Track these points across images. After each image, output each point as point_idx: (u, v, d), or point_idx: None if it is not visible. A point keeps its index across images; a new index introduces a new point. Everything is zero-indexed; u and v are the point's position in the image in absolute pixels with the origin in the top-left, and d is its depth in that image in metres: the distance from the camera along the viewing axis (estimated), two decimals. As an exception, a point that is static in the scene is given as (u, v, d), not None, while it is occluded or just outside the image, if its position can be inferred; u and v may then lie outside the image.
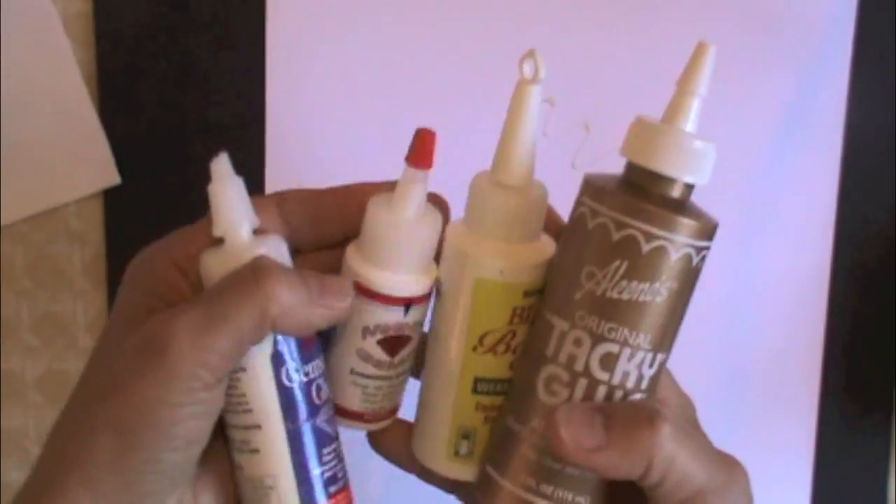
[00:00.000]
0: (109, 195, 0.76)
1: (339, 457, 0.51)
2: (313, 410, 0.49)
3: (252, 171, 0.75)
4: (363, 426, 0.53)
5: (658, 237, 0.46)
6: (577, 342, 0.47)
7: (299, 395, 0.48)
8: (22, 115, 0.74)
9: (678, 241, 0.46)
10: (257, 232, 0.48)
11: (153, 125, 0.75)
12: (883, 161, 0.77)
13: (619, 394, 0.48)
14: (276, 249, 0.48)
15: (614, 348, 0.47)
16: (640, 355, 0.47)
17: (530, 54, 0.47)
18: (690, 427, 0.49)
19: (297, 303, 0.46)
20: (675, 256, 0.46)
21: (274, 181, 0.75)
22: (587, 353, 0.47)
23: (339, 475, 0.51)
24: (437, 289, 0.51)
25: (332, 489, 0.50)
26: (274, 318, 0.45)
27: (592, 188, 0.48)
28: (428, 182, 0.49)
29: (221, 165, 0.48)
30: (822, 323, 0.79)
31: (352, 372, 0.51)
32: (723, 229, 0.79)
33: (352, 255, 0.50)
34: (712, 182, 0.76)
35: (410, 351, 0.51)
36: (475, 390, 0.51)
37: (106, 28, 0.74)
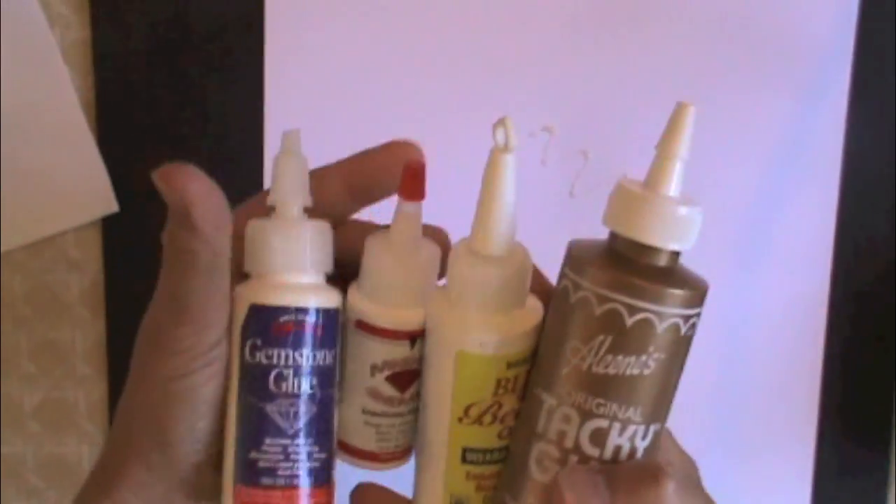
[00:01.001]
0: (108, 223, 0.76)
1: (286, 455, 0.49)
2: (266, 395, 0.48)
3: (250, 196, 0.75)
4: (379, 466, 0.52)
5: (642, 310, 0.44)
6: (566, 419, 0.46)
7: (257, 373, 0.48)
8: (20, 143, 0.74)
9: (664, 312, 0.45)
10: (307, 211, 0.49)
11: (151, 153, 0.75)
12: (882, 184, 0.78)
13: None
14: (322, 232, 0.49)
15: (604, 424, 0.46)
16: (631, 429, 0.46)
17: (501, 123, 0.46)
18: (693, 487, 0.48)
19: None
20: (661, 327, 0.45)
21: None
22: (576, 429, 0.46)
23: (280, 472, 0.49)
24: (422, 357, 0.50)
25: (266, 481, 0.49)
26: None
27: (574, 260, 0.47)
28: (421, 215, 0.49)
29: (293, 140, 0.49)
30: (821, 346, 0.79)
31: (364, 412, 0.51)
32: (720, 253, 0.79)
33: (353, 294, 0.50)
34: (711, 205, 0.76)
35: (419, 386, 0.51)
36: (464, 460, 0.50)
37: (104, 56, 0.74)
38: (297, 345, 0.48)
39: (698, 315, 0.46)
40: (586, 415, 0.46)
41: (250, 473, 0.48)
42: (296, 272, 0.48)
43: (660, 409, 0.46)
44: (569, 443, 0.46)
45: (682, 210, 0.46)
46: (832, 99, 0.76)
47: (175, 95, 0.75)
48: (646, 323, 0.44)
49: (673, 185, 0.46)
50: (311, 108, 0.75)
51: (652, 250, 0.45)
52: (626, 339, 0.45)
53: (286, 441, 0.49)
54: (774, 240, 0.78)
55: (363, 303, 0.49)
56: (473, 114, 0.75)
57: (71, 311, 0.77)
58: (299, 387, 0.48)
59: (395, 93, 0.75)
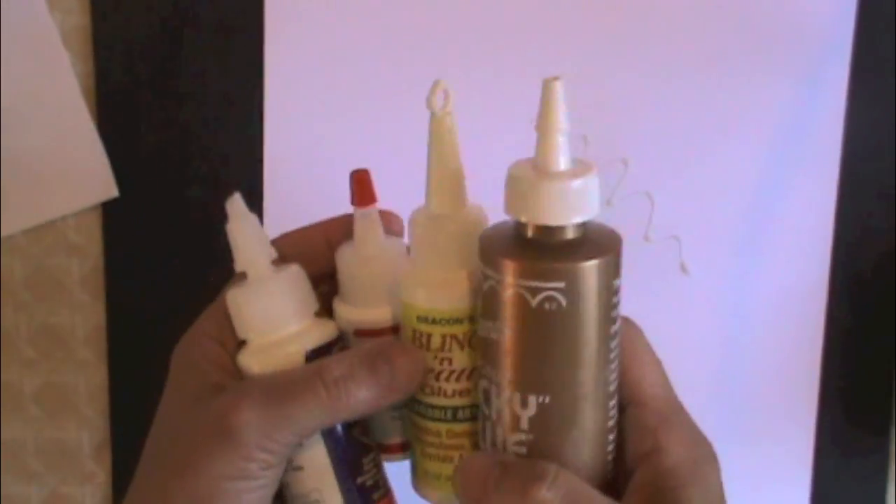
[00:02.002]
0: (108, 208, 0.76)
1: (377, 465, 0.53)
2: (347, 423, 0.51)
3: (250, 184, 0.76)
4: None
5: (489, 277, 0.47)
6: (478, 379, 0.49)
7: None
8: (21, 128, 0.74)
9: (505, 281, 0.46)
10: (276, 263, 0.51)
11: (152, 138, 0.75)
12: (882, 172, 0.77)
13: (499, 431, 0.48)
14: (296, 278, 0.51)
15: (485, 384, 0.49)
16: (506, 393, 0.48)
17: (437, 86, 0.48)
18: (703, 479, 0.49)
19: (370, 399, 0.49)
20: (504, 295, 0.46)
21: (272, 192, 0.75)
22: (477, 388, 0.50)
23: (381, 482, 0.53)
24: None
25: (375, 496, 0.52)
26: (344, 419, 0.50)
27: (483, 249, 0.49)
28: (378, 217, 0.52)
29: (236, 205, 0.51)
30: (821, 333, 0.79)
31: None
32: (719, 240, 0.79)
33: (337, 305, 0.53)
34: (709, 194, 0.76)
35: None
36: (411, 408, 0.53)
37: (104, 41, 0.74)
38: None
39: (558, 290, 0.46)
40: (479, 375, 0.49)
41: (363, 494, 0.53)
42: (285, 325, 0.51)
43: (533, 378, 0.47)
44: (481, 398, 0.49)
45: (552, 186, 0.46)
46: (831, 87, 0.76)
47: (175, 81, 0.75)
48: (491, 290, 0.47)
49: (558, 160, 0.47)
50: (311, 90, 0.75)
51: (523, 225, 0.47)
52: (485, 303, 0.48)
53: (375, 453, 0.53)
54: (773, 227, 0.78)
55: (346, 310, 0.52)
56: (472, 98, 0.75)
57: (71, 296, 0.78)
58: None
59: (387, 83, 0.75)
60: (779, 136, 0.76)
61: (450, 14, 0.74)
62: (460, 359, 0.50)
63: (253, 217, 0.51)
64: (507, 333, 0.47)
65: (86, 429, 0.80)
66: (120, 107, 0.75)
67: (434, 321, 0.49)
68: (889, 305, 0.79)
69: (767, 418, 0.80)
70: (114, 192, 0.76)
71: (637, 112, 0.75)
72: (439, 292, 0.49)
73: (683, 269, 0.76)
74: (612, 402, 0.49)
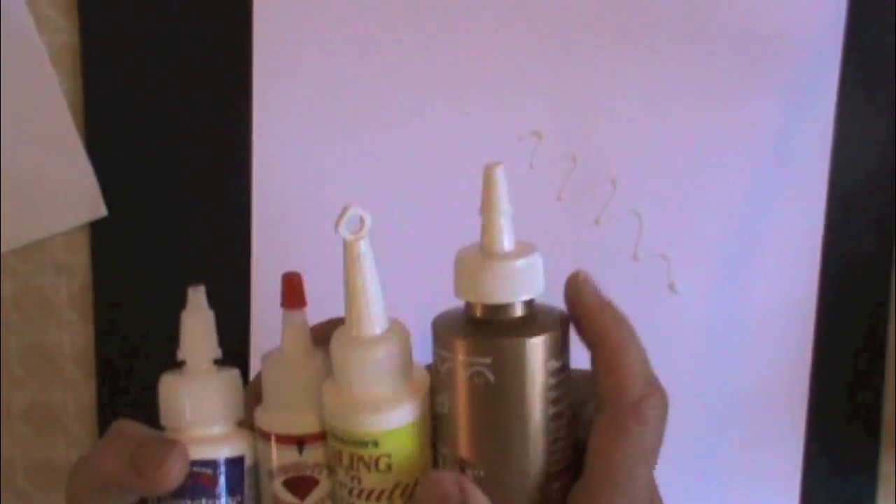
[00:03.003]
0: (96, 227, 0.76)
1: None
2: None
3: (239, 202, 0.76)
4: None
5: (436, 353, 0.49)
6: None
7: None
8: (8, 147, 0.74)
9: (443, 356, 0.48)
10: (217, 363, 0.52)
11: (140, 157, 0.75)
12: (870, 189, 0.78)
13: None
14: (229, 383, 0.52)
15: (440, 457, 0.50)
16: (448, 466, 0.49)
17: (344, 213, 0.48)
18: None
19: (117, 472, 0.49)
20: (442, 369, 0.48)
21: (261, 209, 0.75)
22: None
23: None
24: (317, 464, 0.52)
25: None
26: (101, 485, 0.50)
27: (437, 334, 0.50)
28: (307, 321, 0.51)
29: (198, 297, 0.52)
30: (810, 351, 0.79)
31: None
32: (709, 254, 0.79)
33: (257, 407, 0.52)
34: (698, 212, 0.76)
35: (324, 495, 0.51)
36: None
37: (92, 59, 0.74)
38: (210, 495, 0.50)
39: (485, 366, 0.47)
40: (434, 449, 0.50)
41: None
42: (205, 425, 0.51)
43: (470, 453, 0.48)
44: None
45: (485, 271, 0.48)
46: (820, 105, 0.76)
47: (163, 98, 0.75)
48: (435, 367, 0.49)
49: (502, 242, 0.49)
50: (299, 108, 0.75)
51: (489, 308, 0.48)
52: (433, 380, 0.49)
53: None
54: (762, 245, 0.78)
55: (259, 411, 0.52)
56: (462, 118, 0.75)
57: (59, 315, 0.77)
58: None
59: (380, 96, 0.75)
60: (767, 154, 0.76)
61: (442, 48, 0.74)
62: (367, 479, 0.49)
63: (209, 313, 0.52)
64: (448, 407, 0.48)
65: (74, 447, 0.80)
66: (108, 126, 0.75)
67: (343, 441, 0.49)
68: (877, 322, 0.79)
69: (757, 435, 0.80)
70: (102, 211, 0.76)
71: (625, 131, 0.75)
72: (348, 414, 0.49)
73: (672, 288, 0.76)
74: (557, 484, 0.49)
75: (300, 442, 0.51)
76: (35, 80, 0.74)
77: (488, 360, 0.47)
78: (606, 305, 0.49)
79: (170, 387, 0.51)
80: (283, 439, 0.51)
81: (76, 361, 0.78)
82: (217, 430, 0.51)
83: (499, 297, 0.48)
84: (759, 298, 0.78)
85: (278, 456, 0.51)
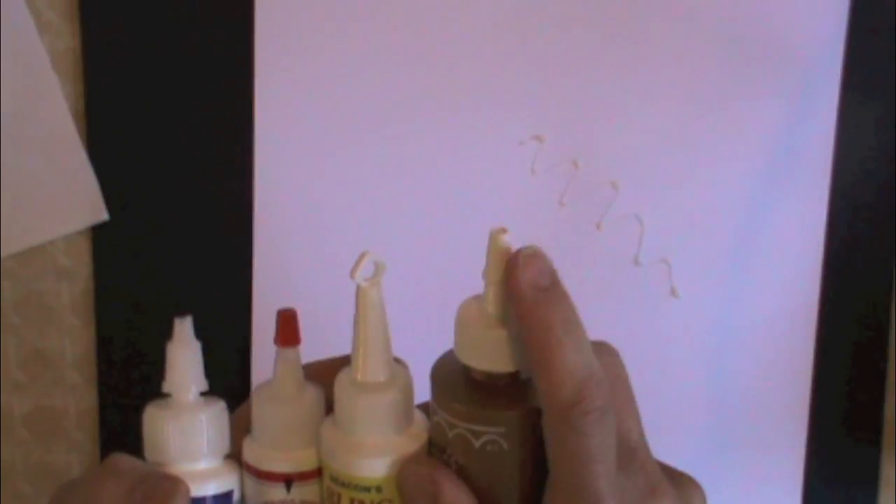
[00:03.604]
0: (97, 231, 0.76)
1: None
2: None
3: (240, 208, 0.76)
4: None
5: (436, 413, 0.49)
6: None
7: None
8: (10, 151, 0.74)
9: (451, 422, 0.48)
10: (204, 395, 0.51)
11: (141, 161, 0.75)
12: (872, 194, 0.78)
13: None
14: (216, 415, 0.51)
15: None
16: None
17: (361, 260, 0.48)
18: None
19: None
20: (450, 434, 0.48)
21: (262, 214, 0.75)
22: None
23: None
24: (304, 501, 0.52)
25: None
26: None
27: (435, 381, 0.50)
28: (300, 358, 0.51)
29: (185, 328, 0.51)
30: (811, 357, 0.79)
31: None
32: (711, 258, 0.79)
33: (245, 441, 0.52)
34: (699, 217, 0.76)
35: None
36: None
37: (94, 64, 0.74)
38: None
39: (500, 435, 0.47)
40: None
41: None
42: (192, 460, 0.50)
43: None
44: None
45: (505, 334, 0.47)
46: (821, 109, 0.76)
47: (164, 103, 0.75)
48: (438, 426, 0.48)
49: (507, 308, 0.47)
50: (301, 114, 0.75)
51: (489, 373, 0.48)
52: (434, 435, 0.49)
53: None
54: (764, 250, 0.78)
55: (247, 445, 0.51)
56: (463, 122, 0.75)
57: (61, 320, 0.77)
58: None
59: (382, 100, 0.75)
60: (769, 159, 0.76)
61: (444, 52, 0.74)
62: None
63: (196, 344, 0.51)
64: (454, 468, 0.48)
65: (75, 452, 0.80)
66: (109, 130, 0.75)
67: (343, 484, 0.49)
68: (878, 326, 0.79)
69: (758, 441, 0.80)
70: (103, 215, 0.76)
71: (627, 135, 0.75)
72: (351, 458, 0.49)
73: (674, 292, 0.76)
74: None
75: (288, 479, 0.51)
76: (36, 84, 0.74)
77: (502, 430, 0.47)
78: (541, 296, 0.45)
79: (155, 421, 0.50)
80: (271, 476, 0.51)
81: (77, 366, 0.78)
82: (204, 464, 0.50)
83: (505, 366, 0.47)
84: (761, 303, 0.78)
85: (265, 492, 0.51)
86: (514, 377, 0.48)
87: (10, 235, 0.75)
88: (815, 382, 0.79)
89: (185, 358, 0.50)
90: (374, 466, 0.49)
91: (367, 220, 0.76)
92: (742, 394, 0.79)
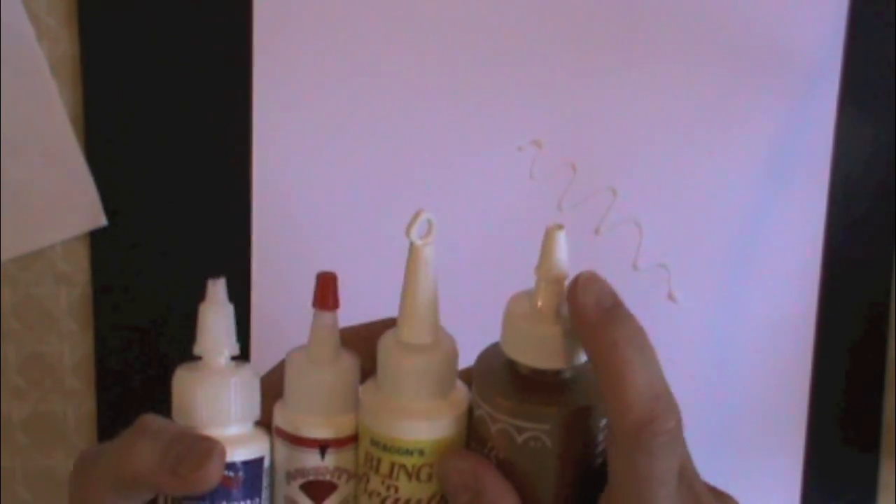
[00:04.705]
0: (96, 237, 0.76)
1: None
2: None
3: (239, 213, 0.76)
4: None
5: (479, 406, 0.48)
6: None
7: None
8: (8, 157, 0.74)
9: (494, 416, 0.48)
10: (235, 359, 0.50)
11: (140, 166, 0.75)
12: (871, 198, 0.78)
13: None
14: (247, 380, 0.50)
15: None
16: None
17: (416, 218, 0.47)
18: None
19: (151, 470, 0.47)
20: (493, 428, 0.48)
21: (260, 219, 0.75)
22: None
23: None
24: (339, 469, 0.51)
25: None
26: (129, 480, 0.47)
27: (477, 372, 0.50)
28: (337, 323, 0.50)
29: (218, 290, 0.50)
30: (809, 362, 0.79)
31: None
32: (708, 268, 0.79)
33: (276, 405, 0.51)
34: (698, 222, 0.76)
35: (341, 501, 0.51)
36: None
37: (93, 69, 0.74)
38: (227, 498, 0.49)
39: (544, 431, 0.47)
40: None
41: None
42: (222, 425, 0.49)
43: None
44: None
45: (538, 331, 0.48)
46: (820, 113, 0.77)
47: (163, 109, 0.75)
48: (481, 420, 0.48)
49: (559, 307, 0.48)
50: (299, 120, 0.75)
51: (514, 363, 0.48)
52: (475, 428, 0.49)
53: None
54: (762, 255, 0.78)
55: (281, 409, 0.50)
56: (462, 127, 0.75)
57: (59, 325, 0.77)
58: None
59: (380, 104, 0.75)
60: (767, 163, 0.76)
61: (442, 57, 0.74)
62: (407, 488, 0.49)
63: (229, 307, 0.50)
64: (494, 462, 0.48)
65: (74, 457, 0.79)
66: (108, 135, 0.75)
67: (385, 448, 0.49)
68: (878, 331, 0.79)
69: (757, 444, 0.80)
70: (102, 220, 0.76)
71: (626, 140, 0.75)
72: (394, 421, 0.48)
73: (672, 297, 0.76)
74: None
75: (323, 446, 0.50)
76: (35, 89, 0.74)
77: (546, 427, 0.47)
78: (606, 316, 0.45)
79: (185, 384, 0.49)
80: (305, 442, 0.50)
81: (76, 371, 0.78)
82: (234, 430, 0.49)
83: (552, 363, 0.47)
84: (759, 308, 0.78)
85: (298, 458, 0.50)
86: (560, 374, 0.48)
87: (8, 240, 0.75)
88: (814, 387, 0.79)
89: (217, 320, 0.50)
90: (420, 429, 0.48)
91: (366, 225, 0.76)
92: (740, 398, 0.79)
